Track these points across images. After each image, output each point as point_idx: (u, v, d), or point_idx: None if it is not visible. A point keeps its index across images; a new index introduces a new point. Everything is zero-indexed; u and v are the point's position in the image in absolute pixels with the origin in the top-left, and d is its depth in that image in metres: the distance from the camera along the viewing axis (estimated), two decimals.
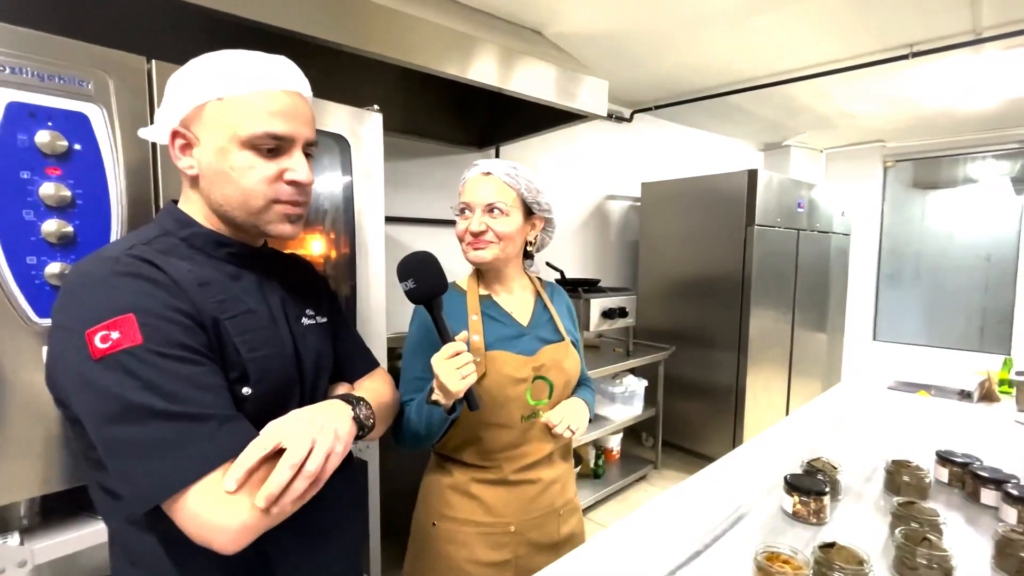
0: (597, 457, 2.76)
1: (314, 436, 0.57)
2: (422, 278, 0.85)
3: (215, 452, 0.54)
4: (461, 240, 1.01)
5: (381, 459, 1.48)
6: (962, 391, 1.89)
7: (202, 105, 0.64)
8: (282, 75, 0.67)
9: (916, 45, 2.36)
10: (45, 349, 0.88)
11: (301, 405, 0.66)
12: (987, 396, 1.86)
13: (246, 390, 0.63)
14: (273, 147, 0.65)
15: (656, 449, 3.12)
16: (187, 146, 0.66)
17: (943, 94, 3.07)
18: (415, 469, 1.12)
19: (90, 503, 0.99)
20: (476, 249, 0.99)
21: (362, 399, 0.73)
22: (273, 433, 0.57)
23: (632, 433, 3.39)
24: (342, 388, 0.81)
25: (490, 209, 0.97)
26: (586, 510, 2.55)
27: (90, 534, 0.96)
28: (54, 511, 0.99)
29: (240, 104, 0.64)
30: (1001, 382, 1.95)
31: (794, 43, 2.38)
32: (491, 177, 0.98)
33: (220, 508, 0.53)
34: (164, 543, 0.60)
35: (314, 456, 0.56)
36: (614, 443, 2.96)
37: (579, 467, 2.73)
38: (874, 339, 4.68)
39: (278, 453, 0.56)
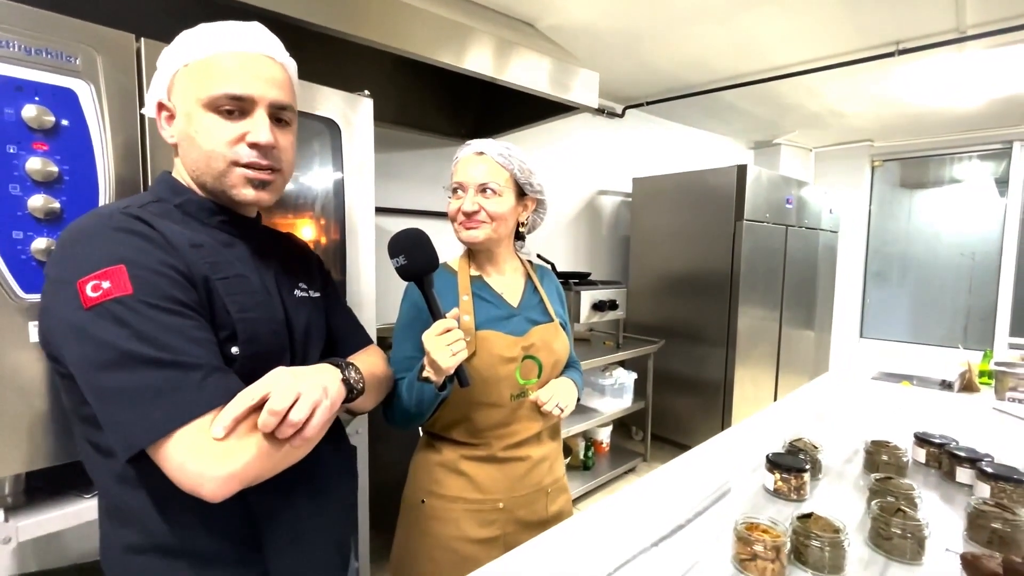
0: (587, 449, 2.78)
1: (299, 389, 0.58)
2: (413, 255, 0.86)
3: (202, 400, 0.55)
4: (453, 220, 1.02)
5: (371, 452, 1.48)
6: (943, 381, 1.92)
7: (174, 74, 0.66)
8: (245, 37, 0.67)
9: (902, 43, 2.40)
10: (31, 326, 0.88)
11: None
12: (968, 386, 1.89)
13: (235, 349, 0.63)
14: (233, 108, 0.65)
15: (645, 442, 3.14)
16: (170, 117, 0.68)
17: (929, 93, 3.12)
18: (405, 460, 1.13)
19: (76, 481, 1.00)
20: (468, 229, 1.00)
21: (351, 363, 0.74)
22: (260, 385, 0.57)
23: (621, 426, 3.42)
24: None
25: (483, 189, 0.98)
26: (575, 501, 2.57)
27: (76, 512, 0.96)
28: (39, 490, 0.99)
29: (201, 67, 0.65)
30: (981, 373, 1.98)
31: (784, 40, 2.41)
32: (484, 157, 0.99)
33: (207, 456, 0.53)
34: (153, 500, 0.60)
35: (299, 406, 0.57)
36: (603, 435, 2.98)
37: (569, 458, 2.75)
38: (861, 336, 4.74)
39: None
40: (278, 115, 0.69)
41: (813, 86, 3.02)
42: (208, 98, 0.63)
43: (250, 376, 0.60)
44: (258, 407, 0.56)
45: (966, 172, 4.29)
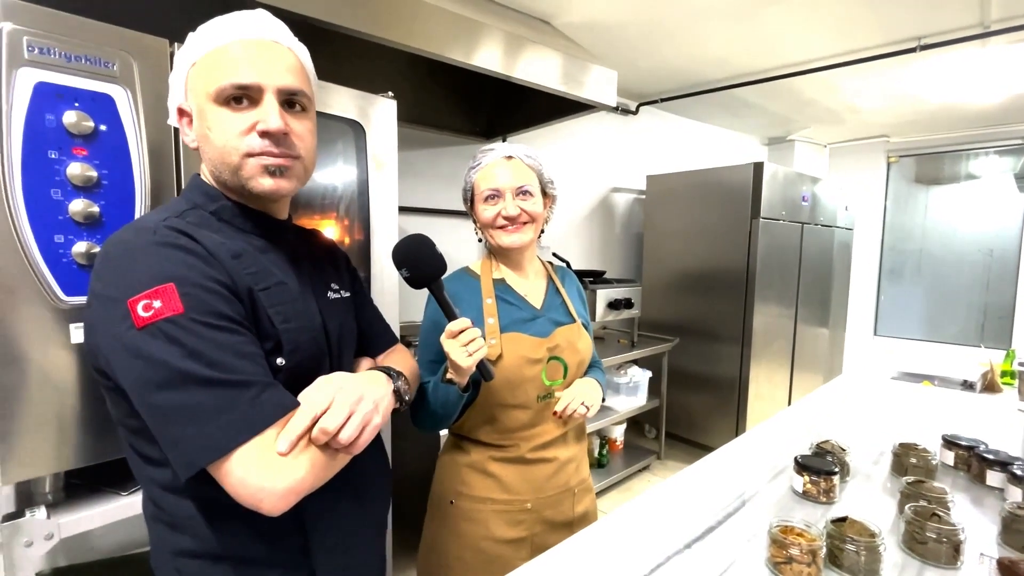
0: (601, 446, 2.79)
1: (353, 407, 0.60)
2: (416, 265, 0.83)
3: (259, 417, 0.55)
4: (489, 226, 1.01)
5: (393, 450, 1.49)
6: (965, 381, 1.91)
7: (187, 75, 0.65)
8: (246, 25, 0.64)
9: (924, 38, 2.36)
10: (72, 328, 0.90)
11: None
12: (990, 387, 1.87)
13: (280, 361, 0.63)
14: (240, 96, 0.62)
15: (659, 440, 3.14)
16: (192, 121, 0.67)
17: (948, 89, 3.07)
18: (426, 457, 1.14)
19: (113, 479, 1.03)
20: (512, 233, 1.00)
21: (401, 373, 0.74)
22: (322, 395, 0.59)
23: (635, 424, 3.42)
24: (366, 363, 0.82)
25: (521, 192, 0.99)
26: None
27: (114, 509, 0.98)
28: (78, 487, 1.01)
29: (207, 62, 0.63)
30: (1004, 373, 1.96)
31: (802, 36, 2.38)
32: (514, 161, 1.00)
33: (266, 471, 0.54)
34: (201, 508, 0.61)
35: (349, 425, 0.59)
36: (618, 433, 2.98)
37: None
38: (875, 334, 4.70)
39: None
40: (291, 100, 0.66)
41: (830, 82, 2.99)
42: (215, 91, 0.62)
43: (292, 385, 0.61)
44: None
45: (983, 168, 4.23)
